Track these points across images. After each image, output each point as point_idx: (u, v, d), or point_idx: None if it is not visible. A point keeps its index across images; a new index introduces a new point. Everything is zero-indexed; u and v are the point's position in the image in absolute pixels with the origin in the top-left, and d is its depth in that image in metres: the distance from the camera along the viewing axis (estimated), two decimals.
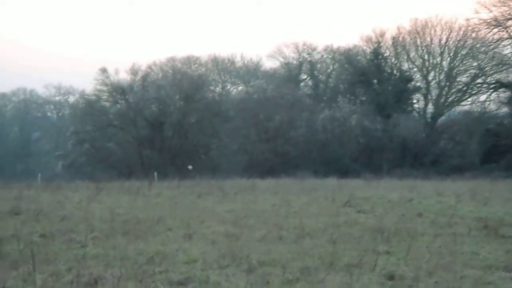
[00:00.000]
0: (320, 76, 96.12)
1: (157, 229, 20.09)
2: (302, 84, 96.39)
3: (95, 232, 18.75)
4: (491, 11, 76.19)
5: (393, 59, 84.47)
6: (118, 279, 11.46)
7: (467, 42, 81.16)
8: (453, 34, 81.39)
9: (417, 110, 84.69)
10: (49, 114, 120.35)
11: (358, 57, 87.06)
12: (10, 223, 21.09)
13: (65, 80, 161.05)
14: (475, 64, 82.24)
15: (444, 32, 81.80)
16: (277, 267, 13.84)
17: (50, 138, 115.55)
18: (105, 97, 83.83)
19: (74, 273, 12.19)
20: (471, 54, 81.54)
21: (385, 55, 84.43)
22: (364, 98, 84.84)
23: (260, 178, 53.71)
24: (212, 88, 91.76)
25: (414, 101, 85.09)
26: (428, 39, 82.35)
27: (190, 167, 61.64)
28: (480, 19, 77.19)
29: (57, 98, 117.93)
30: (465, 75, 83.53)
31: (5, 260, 13.91)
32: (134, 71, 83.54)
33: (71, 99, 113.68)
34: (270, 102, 79.25)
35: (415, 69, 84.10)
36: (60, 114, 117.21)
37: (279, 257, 14.99)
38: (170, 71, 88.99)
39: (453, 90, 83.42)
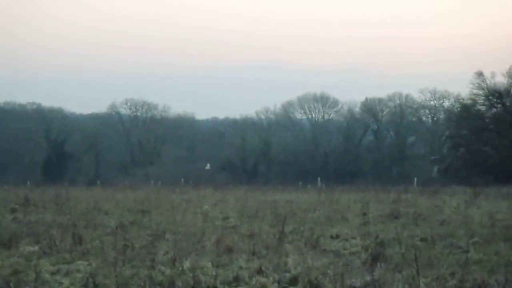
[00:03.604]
0: None
1: None
2: None
3: (476, 237, 18.58)
4: None
5: None
6: (503, 285, 11.23)
7: None
8: None
9: None
10: (424, 118, 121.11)
11: None
12: (391, 227, 21.68)
13: (440, 84, 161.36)
14: None
15: None
16: None
17: (425, 142, 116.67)
18: (481, 101, 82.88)
19: (458, 278, 12.17)
20: None
21: None
22: None
23: None
24: None
25: None
26: None
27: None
28: None
29: (432, 102, 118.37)
30: None
31: (388, 263, 14.30)
32: (511, 74, 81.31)
33: (446, 103, 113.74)
34: None
35: None
36: (435, 118, 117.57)
37: None
38: None
39: None
